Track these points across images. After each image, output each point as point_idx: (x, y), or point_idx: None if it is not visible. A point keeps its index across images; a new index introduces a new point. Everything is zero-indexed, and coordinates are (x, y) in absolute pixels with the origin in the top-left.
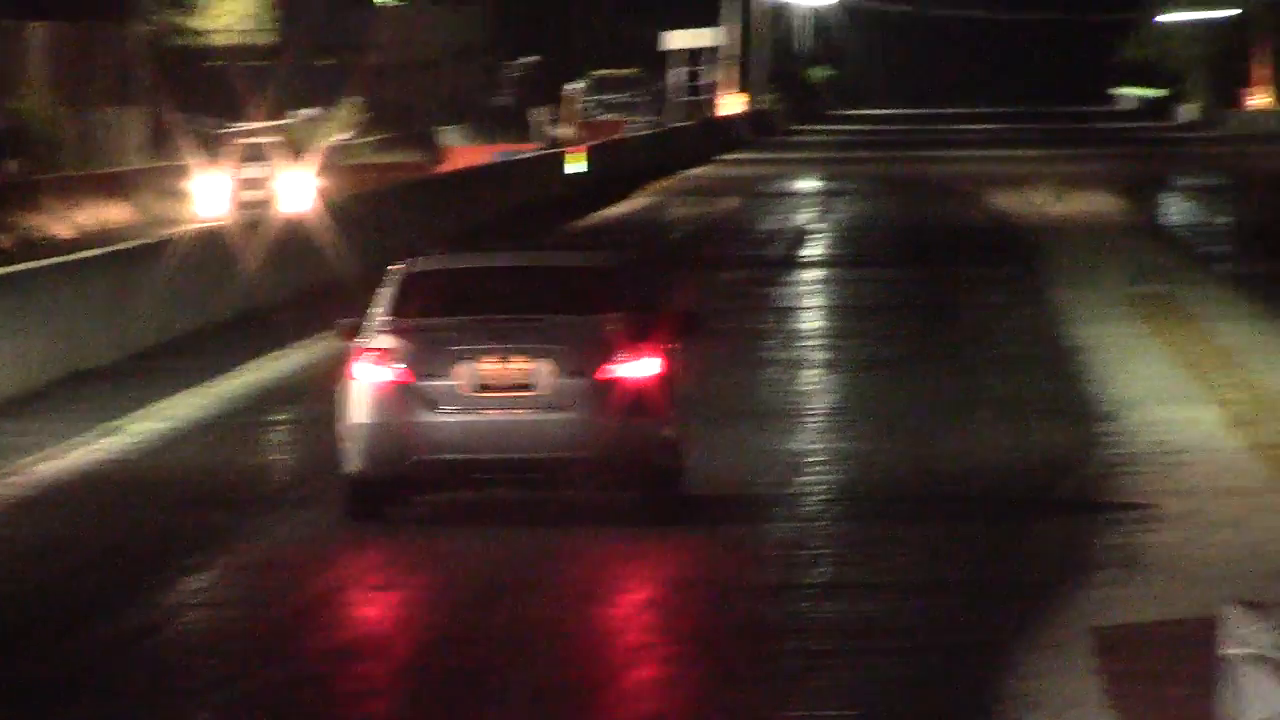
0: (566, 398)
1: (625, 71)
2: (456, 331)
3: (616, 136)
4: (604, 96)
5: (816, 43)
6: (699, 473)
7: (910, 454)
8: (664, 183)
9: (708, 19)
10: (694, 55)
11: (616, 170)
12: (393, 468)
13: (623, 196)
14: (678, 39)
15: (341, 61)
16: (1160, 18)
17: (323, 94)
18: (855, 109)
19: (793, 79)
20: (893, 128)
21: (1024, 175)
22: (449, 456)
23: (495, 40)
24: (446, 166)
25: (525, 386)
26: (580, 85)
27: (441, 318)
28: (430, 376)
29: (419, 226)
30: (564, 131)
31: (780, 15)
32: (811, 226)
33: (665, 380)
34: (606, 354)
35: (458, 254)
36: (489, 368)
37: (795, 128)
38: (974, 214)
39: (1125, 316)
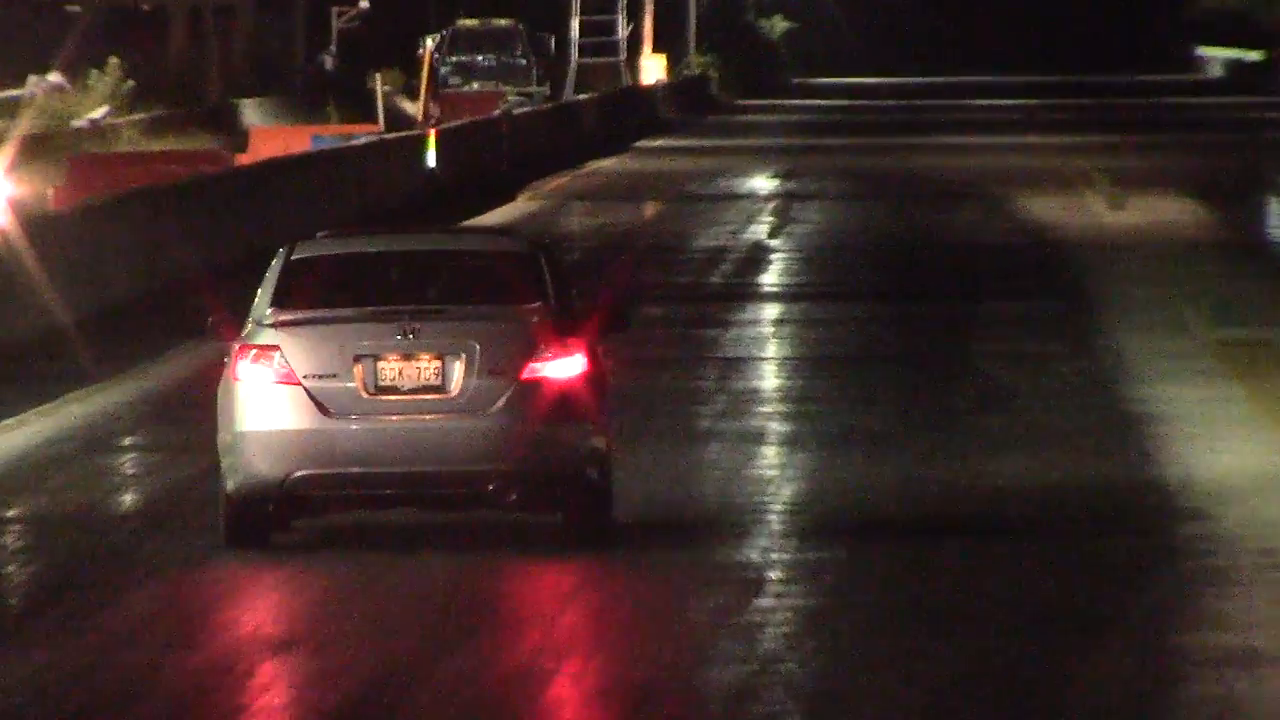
0: (483, 401)
1: (500, 22)
2: (353, 325)
3: (488, 114)
4: (469, 58)
5: None
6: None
7: (899, 579)
8: (557, 181)
9: None
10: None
11: (486, 164)
12: (278, 484)
13: (497, 201)
14: None
15: (94, 7)
16: None
17: (69, 52)
18: (826, 76)
19: (739, 34)
20: (879, 103)
21: (1067, 171)
22: (344, 470)
23: None
24: (249, 156)
25: (434, 388)
26: (434, 40)
27: (335, 309)
28: (322, 377)
29: (195, 246)
30: (414, 107)
31: None
32: (767, 243)
33: (595, 381)
34: (529, 350)
35: (352, 235)
36: (391, 366)
37: (741, 102)
38: (997, 226)
39: (1212, 373)
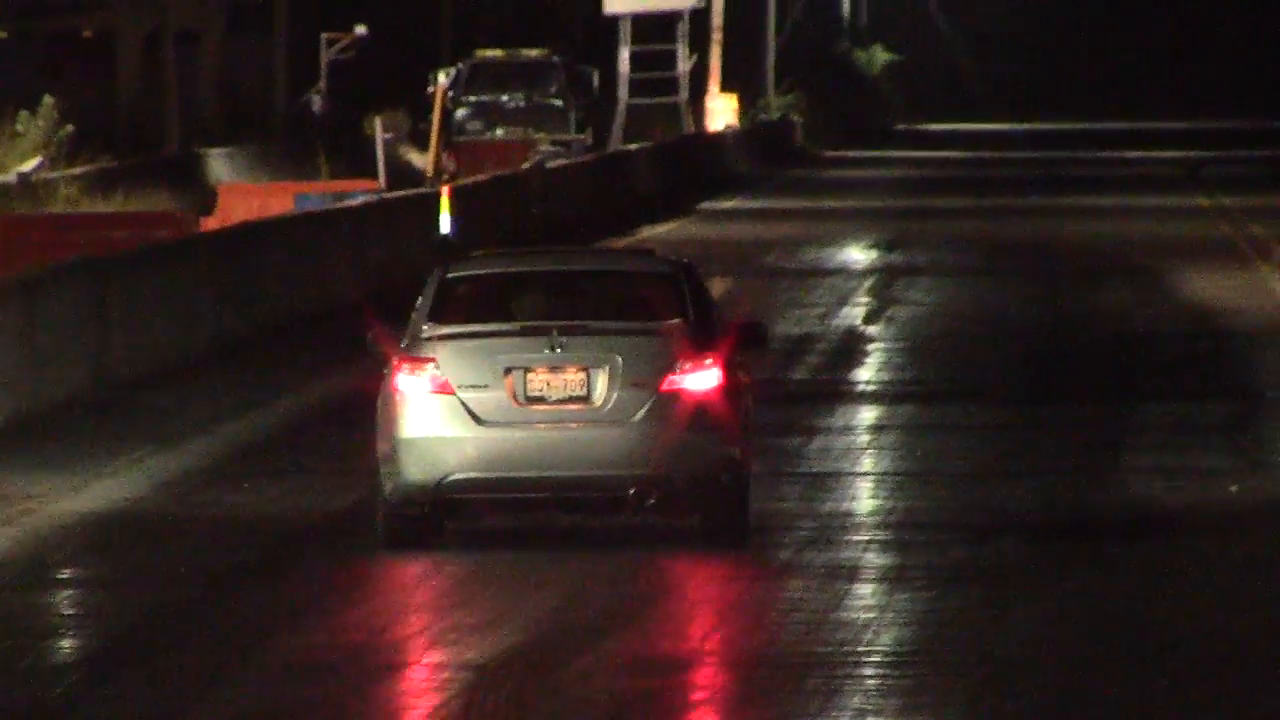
0: (625, 410)
1: (531, 53)
2: (504, 339)
3: (516, 168)
4: (492, 97)
5: (871, 10)
6: None
7: None
8: None
9: None
10: (662, 26)
11: (513, 230)
12: (432, 488)
13: None
14: None
15: (24, 31)
16: None
17: None
18: (939, 121)
19: (829, 69)
20: (1005, 154)
21: (1240, 241)
22: (494, 475)
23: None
24: (217, 220)
25: (580, 399)
26: (447, 76)
27: (487, 324)
28: (475, 388)
29: (148, 332)
30: (423, 159)
31: None
32: (863, 330)
33: (732, 394)
34: (669, 364)
35: (502, 256)
36: (540, 378)
37: (832, 153)
38: (1152, 309)
39: None
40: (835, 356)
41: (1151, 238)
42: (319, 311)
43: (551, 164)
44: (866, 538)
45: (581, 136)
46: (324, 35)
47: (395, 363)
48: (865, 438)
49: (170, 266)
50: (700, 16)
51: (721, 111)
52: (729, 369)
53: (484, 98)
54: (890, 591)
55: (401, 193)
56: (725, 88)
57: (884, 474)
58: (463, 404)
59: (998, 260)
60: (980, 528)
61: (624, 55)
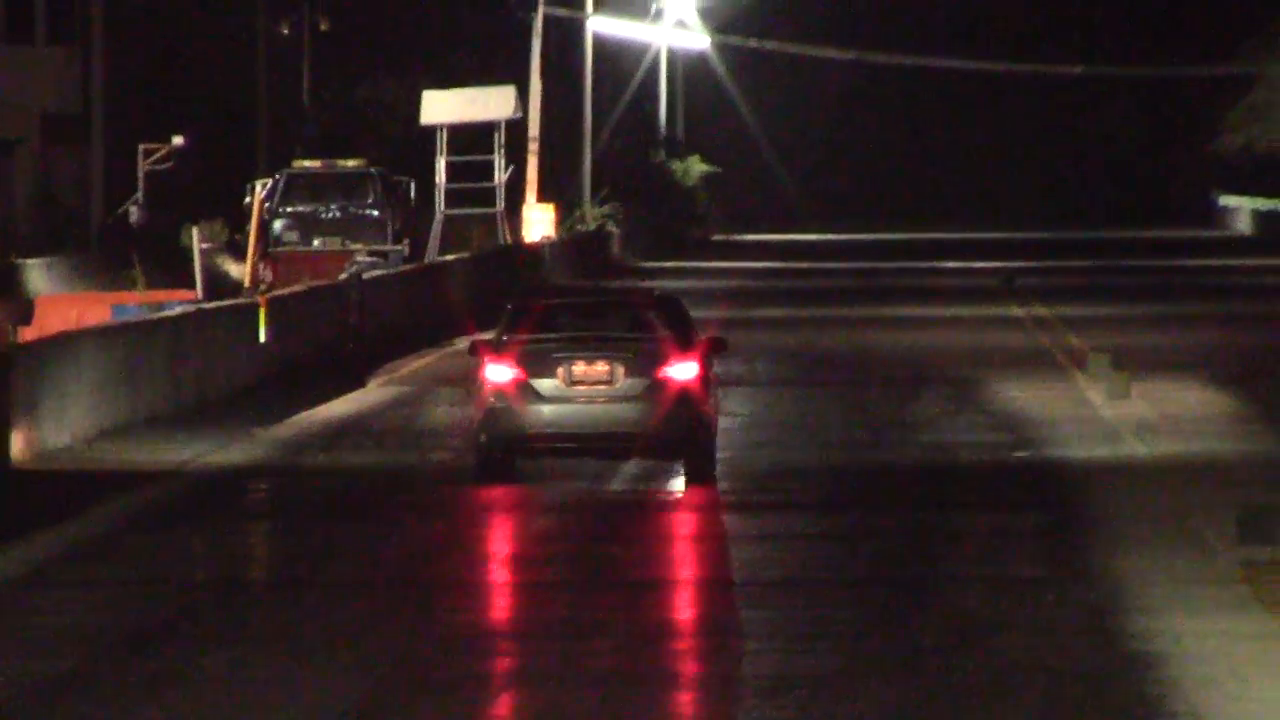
0: (635, 390)
1: (348, 164)
2: (556, 343)
3: (333, 279)
4: (308, 208)
5: (688, 121)
6: None
7: None
8: (419, 361)
9: (516, 70)
10: (479, 137)
11: (330, 341)
12: (511, 438)
13: (343, 386)
14: (444, 106)
15: None
16: None
17: None
18: (757, 232)
19: (645, 179)
20: (824, 265)
21: (1056, 351)
22: (551, 430)
23: (117, 107)
24: (33, 331)
25: (606, 382)
26: (264, 186)
27: (545, 333)
28: (538, 375)
29: None
30: (240, 270)
31: (615, 66)
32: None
33: (703, 381)
34: (663, 360)
35: (551, 292)
36: (580, 368)
37: (648, 264)
38: (969, 419)
39: (1237, 602)
40: (654, 466)
41: (968, 347)
42: (133, 421)
43: (368, 275)
44: (686, 645)
45: (399, 247)
46: (141, 146)
47: (486, 359)
48: (685, 547)
49: None
50: (517, 127)
51: (539, 222)
52: (703, 365)
53: (301, 208)
54: (709, 701)
55: (219, 303)
56: (542, 198)
57: (704, 581)
58: (530, 385)
59: (815, 370)
60: (798, 636)
61: (441, 166)
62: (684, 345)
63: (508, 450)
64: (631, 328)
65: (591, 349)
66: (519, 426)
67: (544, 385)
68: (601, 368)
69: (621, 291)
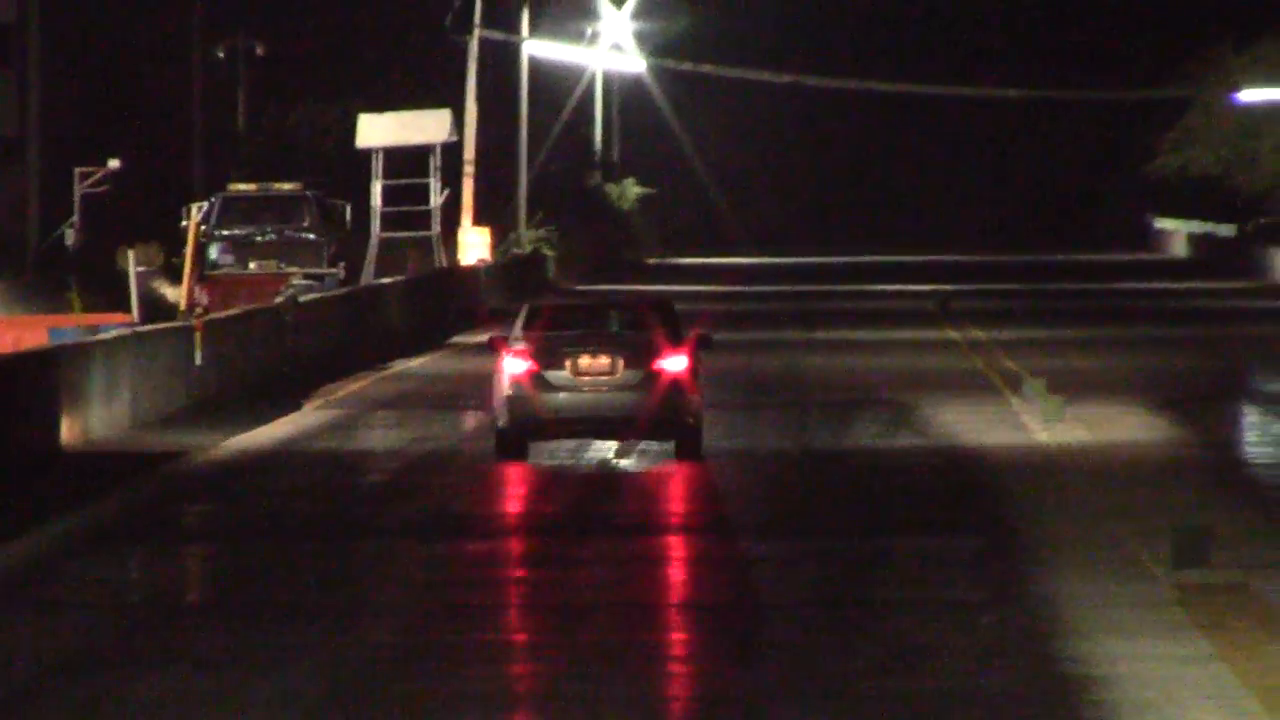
0: (632, 380)
1: (283, 187)
2: (565, 337)
3: (268, 301)
4: (244, 231)
5: (624, 144)
6: None
7: None
8: (355, 384)
9: (451, 94)
10: (415, 160)
11: (266, 364)
12: (526, 422)
13: (279, 409)
14: (380, 130)
15: None
16: (1246, 94)
17: None
18: (693, 256)
19: (581, 203)
20: (760, 288)
21: (991, 375)
22: (561, 415)
23: (53, 130)
24: None
25: (607, 373)
26: (200, 209)
27: (555, 330)
28: (549, 367)
29: None
30: (176, 293)
31: (551, 89)
32: (617, 464)
33: (692, 372)
34: (657, 354)
35: (560, 297)
36: (585, 361)
37: (584, 287)
38: (904, 443)
39: (1172, 625)
40: (589, 489)
41: (904, 371)
42: (69, 444)
43: (304, 298)
44: (616, 669)
45: (334, 270)
46: (77, 169)
47: (504, 352)
48: (618, 570)
49: None
50: (453, 150)
51: (474, 245)
52: (691, 358)
53: (237, 231)
54: None
55: (155, 326)
56: (478, 221)
57: (637, 605)
58: (542, 375)
59: (752, 394)
60: (732, 659)
61: (377, 189)
62: (675, 341)
63: (523, 432)
64: (630, 326)
65: (595, 344)
66: (533, 412)
67: (554, 376)
68: (604, 360)
69: (621, 295)
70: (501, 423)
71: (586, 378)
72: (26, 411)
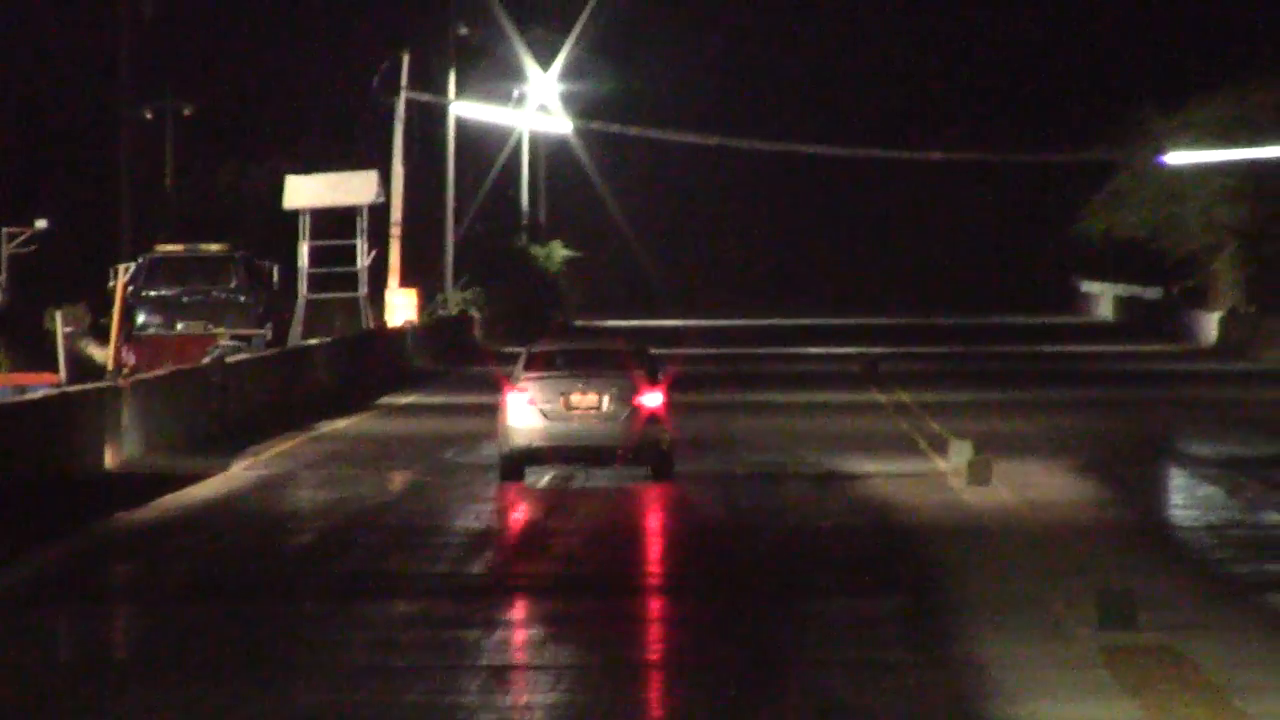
0: (616, 413)
1: (211, 248)
2: (560, 378)
3: (196, 362)
4: (171, 292)
5: (551, 206)
6: None
7: None
8: (282, 445)
9: (379, 155)
10: (342, 221)
11: (193, 424)
12: (526, 449)
13: (207, 469)
14: (307, 191)
15: None
16: (1172, 157)
17: None
18: (619, 318)
19: (508, 265)
20: (686, 351)
21: (917, 436)
22: (553, 444)
23: None
24: None
25: (595, 408)
26: (127, 270)
27: (552, 370)
28: (544, 402)
29: None
30: (104, 354)
31: (478, 150)
32: (544, 524)
33: (666, 407)
34: (636, 391)
35: (555, 340)
36: (576, 397)
37: (510, 349)
38: (829, 504)
39: (1097, 687)
40: (515, 550)
41: (832, 433)
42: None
43: (232, 358)
44: None
45: (262, 331)
46: (4, 229)
47: (506, 389)
48: (545, 631)
49: None
50: (380, 212)
51: (401, 306)
52: (666, 394)
53: (164, 292)
54: None
55: (82, 386)
56: (405, 283)
57: (565, 667)
58: (539, 409)
59: (679, 456)
60: None
61: (304, 250)
62: (652, 380)
63: (523, 458)
64: (613, 367)
65: (584, 382)
66: (531, 440)
67: (549, 409)
68: (592, 397)
69: (606, 340)
70: (505, 449)
71: (576, 411)
72: None
